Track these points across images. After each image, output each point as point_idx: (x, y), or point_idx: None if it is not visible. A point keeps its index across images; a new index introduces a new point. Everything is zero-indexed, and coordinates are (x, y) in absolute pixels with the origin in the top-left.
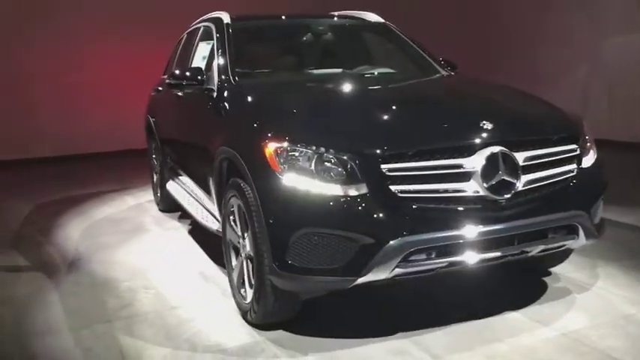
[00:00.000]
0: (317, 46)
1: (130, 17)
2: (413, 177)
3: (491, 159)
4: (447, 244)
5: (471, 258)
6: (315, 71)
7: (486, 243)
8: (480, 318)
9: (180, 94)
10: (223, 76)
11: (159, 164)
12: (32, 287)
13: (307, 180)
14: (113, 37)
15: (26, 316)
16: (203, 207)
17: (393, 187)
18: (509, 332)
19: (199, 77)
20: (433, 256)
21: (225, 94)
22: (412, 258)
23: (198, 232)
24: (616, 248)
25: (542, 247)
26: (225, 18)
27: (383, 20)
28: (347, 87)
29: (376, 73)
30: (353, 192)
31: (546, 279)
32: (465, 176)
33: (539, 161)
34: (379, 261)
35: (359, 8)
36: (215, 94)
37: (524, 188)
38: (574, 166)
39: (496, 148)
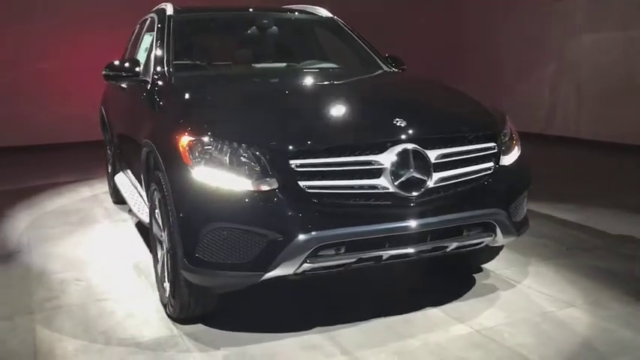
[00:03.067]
0: (263, 40)
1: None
2: (322, 173)
3: (402, 156)
4: (356, 240)
5: (381, 254)
6: (258, 65)
7: (397, 239)
8: (399, 314)
9: (123, 85)
10: (159, 68)
11: (111, 156)
12: None
13: (218, 174)
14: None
15: None
16: (140, 199)
17: (301, 183)
18: (424, 328)
19: (136, 69)
20: (342, 251)
21: (158, 86)
22: (321, 253)
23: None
24: (555, 246)
25: (456, 244)
26: (169, 9)
27: (331, 15)
28: (279, 82)
29: (318, 68)
30: (263, 187)
31: (476, 275)
32: (375, 173)
33: (453, 159)
34: (286, 256)
35: (313, 3)
36: (149, 86)
37: (435, 185)
38: (491, 164)
39: (407, 146)
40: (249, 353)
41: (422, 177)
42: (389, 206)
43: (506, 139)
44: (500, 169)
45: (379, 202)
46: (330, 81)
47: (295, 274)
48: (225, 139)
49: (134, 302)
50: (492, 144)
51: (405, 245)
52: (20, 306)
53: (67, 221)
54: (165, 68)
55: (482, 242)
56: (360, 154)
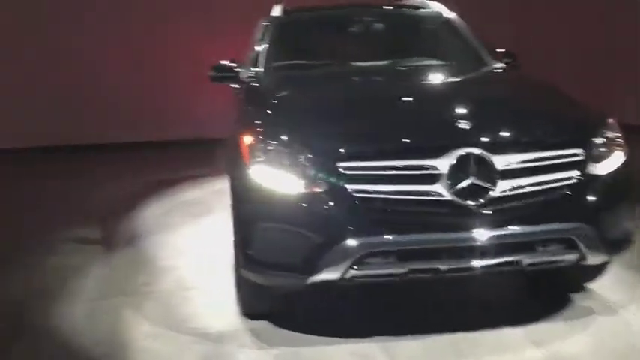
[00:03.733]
0: (368, 37)
1: None
2: (372, 177)
3: (461, 161)
4: (407, 249)
5: (438, 266)
6: (359, 63)
7: (455, 251)
8: (468, 330)
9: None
10: (255, 69)
11: None
12: (83, 258)
13: (271, 175)
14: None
15: (63, 282)
16: None
17: (349, 186)
18: (492, 349)
19: (236, 70)
20: (392, 260)
21: (248, 87)
22: (368, 260)
23: None
24: None
25: (529, 260)
26: (276, 11)
27: (445, 10)
28: (364, 81)
29: (417, 65)
30: (311, 189)
31: (574, 295)
32: (431, 179)
33: (526, 166)
34: (331, 261)
35: None
36: (243, 87)
37: (503, 195)
38: (575, 172)
39: (469, 150)
40: (301, 354)
41: (485, 185)
42: (445, 215)
43: (602, 145)
44: (588, 179)
45: (434, 210)
46: (416, 80)
47: (343, 279)
48: (280, 141)
49: (216, 295)
50: (577, 150)
51: (465, 258)
52: (117, 288)
53: (190, 212)
54: (260, 69)
55: (563, 260)
56: (413, 158)
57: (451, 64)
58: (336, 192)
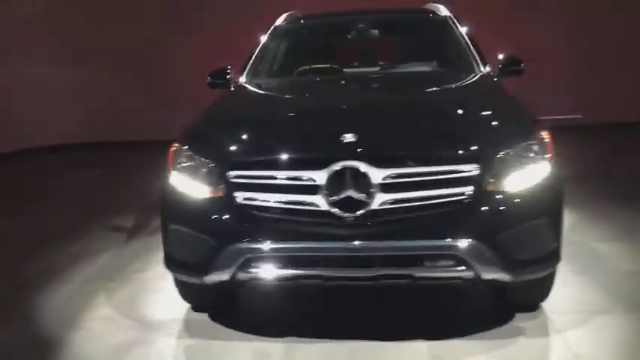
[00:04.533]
0: (364, 44)
1: None
2: (257, 185)
3: (338, 174)
4: (288, 256)
5: (320, 274)
6: (349, 70)
7: (334, 260)
8: (376, 340)
9: None
10: (239, 78)
11: None
12: (103, 245)
13: (183, 181)
14: None
15: (71, 266)
16: None
17: (237, 194)
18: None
19: (226, 77)
20: (277, 266)
21: (220, 94)
22: (255, 265)
23: None
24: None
25: (419, 274)
26: (280, 19)
27: (446, 13)
28: (315, 92)
29: (400, 72)
30: (207, 196)
31: (520, 314)
32: (311, 190)
33: (408, 180)
34: (220, 263)
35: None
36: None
37: (383, 208)
38: (469, 188)
39: (345, 163)
40: (210, 347)
41: (361, 198)
42: (323, 225)
43: (511, 161)
44: (485, 195)
45: (313, 220)
46: (371, 91)
47: (235, 281)
48: (194, 150)
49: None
50: (471, 166)
51: (345, 268)
52: (110, 273)
53: None
54: (242, 78)
55: (459, 276)
56: (294, 170)
57: (435, 71)
58: (227, 199)
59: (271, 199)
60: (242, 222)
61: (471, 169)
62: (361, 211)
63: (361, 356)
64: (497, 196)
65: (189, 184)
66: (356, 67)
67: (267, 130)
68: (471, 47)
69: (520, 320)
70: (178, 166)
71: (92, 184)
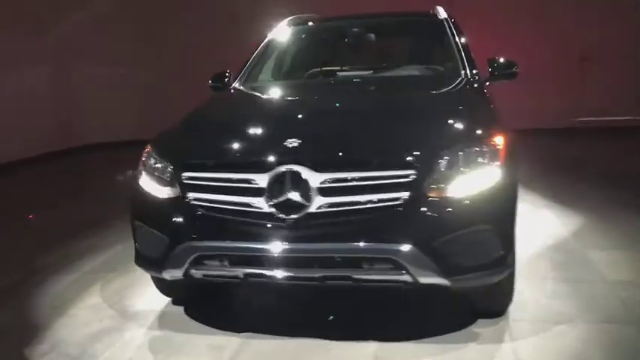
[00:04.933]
0: (361, 47)
1: None
2: (207, 187)
3: (278, 178)
4: (235, 255)
5: (265, 272)
6: (342, 74)
7: (276, 261)
8: (326, 338)
9: None
10: (235, 82)
11: None
12: (117, 238)
13: (148, 182)
14: None
15: (80, 257)
16: None
17: (189, 195)
18: (328, 357)
19: (224, 81)
20: (226, 264)
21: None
22: (205, 262)
23: None
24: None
25: (358, 277)
26: (282, 23)
27: (444, 16)
28: (295, 95)
29: (387, 76)
30: (164, 196)
31: (483, 320)
32: (254, 192)
33: (345, 184)
34: (173, 260)
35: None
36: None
37: (320, 211)
38: (405, 193)
39: (286, 167)
40: (170, 339)
41: (300, 201)
42: (264, 226)
43: (452, 167)
44: (424, 201)
45: (256, 221)
46: (345, 96)
47: (189, 277)
48: (156, 152)
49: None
50: (408, 172)
51: (287, 268)
52: (113, 265)
53: None
54: (235, 83)
55: (397, 279)
56: (239, 172)
57: (419, 75)
58: (180, 199)
59: (219, 200)
60: (194, 221)
61: (407, 175)
62: (300, 214)
63: (306, 354)
64: (435, 202)
65: (152, 185)
66: (347, 70)
67: (223, 135)
68: (461, 50)
69: (480, 326)
70: (146, 166)
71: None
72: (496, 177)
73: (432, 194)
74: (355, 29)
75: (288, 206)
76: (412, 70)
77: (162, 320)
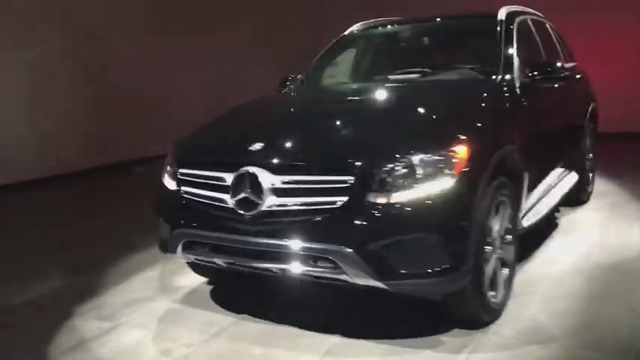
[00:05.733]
0: (416, 49)
1: None
2: (194, 182)
3: (239, 177)
4: (212, 243)
5: (234, 261)
6: (393, 76)
7: (240, 251)
8: (302, 328)
9: None
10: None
11: None
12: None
13: (164, 177)
14: None
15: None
16: None
17: (182, 188)
18: (286, 344)
19: (286, 84)
20: (207, 250)
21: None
22: (194, 247)
23: None
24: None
25: (303, 272)
26: (354, 27)
27: (502, 17)
28: (327, 103)
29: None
30: (171, 189)
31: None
32: (225, 189)
33: (291, 186)
34: (171, 244)
35: None
36: None
37: (271, 209)
38: (344, 198)
39: (246, 168)
40: (182, 312)
41: (254, 199)
42: (229, 219)
43: (396, 174)
44: (361, 205)
45: (224, 215)
46: (340, 104)
47: (188, 259)
48: (170, 151)
49: None
50: (346, 177)
51: (248, 259)
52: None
53: None
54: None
55: (338, 278)
56: (214, 171)
57: (454, 79)
58: (177, 192)
59: (201, 194)
60: (184, 211)
61: (345, 180)
62: (255, 211)
63: (277, 339)
64: (374, 207)
65: (167, 180)
66: (398, 75)
67: (215, 137)
68: (503, 54)
69: (453, 335)
70: (165, 164)
71: None
72: (447, 187)
73: (372, 199)
74: (409, 34)
75: (246, 203)
76: (452, 75)
77: (188, 296)
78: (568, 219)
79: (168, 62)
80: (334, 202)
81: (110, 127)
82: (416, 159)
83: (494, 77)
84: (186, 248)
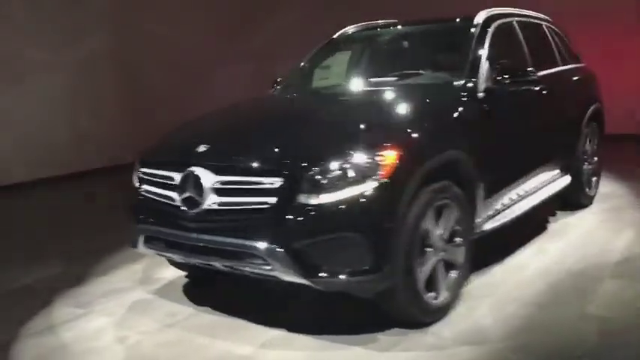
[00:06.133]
0: (393, 53)
1: None
2: (150, 181)
3: (184, 177)
4: (163, 239)
5: (184, 257)
6: (359, 82)
7: (187, 247)
8: (249, 321)
9: None
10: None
11: None
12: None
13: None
14: None
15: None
16: None
17: (142, 186)
18: (235, 335)
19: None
20: (163, 245)
21: None
22: (153, 242)
23: None
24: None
25: (240, 268)
26: (339, 33)
27: (480, 21)
28: (293, 104)
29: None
30: (135, 186)
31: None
32: (174, 188)
33: (231, 187)
34: (135, 237)
35: None
36: None
37: (211, 208)
38: (272, 198)
39: (190, 169)
40: (152, 303)
41: (196, 198)
42: (177, 216)
43: (322, 176)
44: (290, 206)
45: (172, 211)
46: (312, 105)
47: (151, 254)
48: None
49: None
50: (274, 179)
51: (194, 254)
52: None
53: None
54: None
55: (267, 274)
56: (166, 170)
57: (419, 84)
58: (139, 190)
59: (156, 192)
60: (142, 208)
61: (273, 182)
62: (197, 209)
63: (224, 331)
64: (300, 208)
65: (134, 178)
66: (366, 80)
67: (174, 139)
68: (472, 58)
69: (390, 334)
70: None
71: None
72: (372, 189)
73: (300, 200)
74: (389, 38)
75: (190, 202)
76: (419, 80)
77: (163, 288)
78: (560, 223)
79: (207, 62)
80: (265, 203)
81: (145, 127)
82: (343, 162)
83: (455, 82)
84: (147, 243)
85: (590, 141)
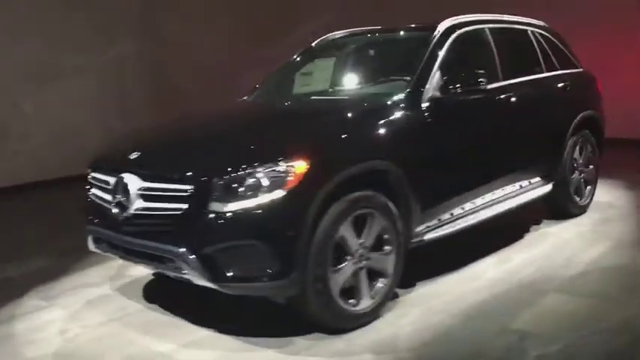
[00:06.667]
0: (353, 63)
1: None
2: (95, 184)
3: (116, 182)
4: (105, 240)
5: (125, 258)
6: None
7: (123, 250)
8: (187, 320)
9: None
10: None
11: None
12: None
13: None
14: None
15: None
16: None
17: (90, 190)
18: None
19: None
20: (108, 246)
21: None
22: (100, 243)
23: None
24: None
25: (162, 270)
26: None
27: (441, 30)
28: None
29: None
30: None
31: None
32: (109, 191)
33: (152, 193)
34: (87, 237)
35: None
36: None
37: (136, 212)
38: (184, 205)
39: (121, 174)
40: (110, 298)
41: (125, 202)
42: (113, 219)
43: (227, 185)
44: (200, 212)
45: (110, 215)
46: (246, 116)
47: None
48: None
49: None
50: (186, 186)
51: (130, 256)
52: None
53: None
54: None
55: (186, 278)
56: (105, 175)
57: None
58: (88, 192)
59: (97, 195)
60: (91, 210)
61: (185, 189)
62: (126, 213)
63: (159, 328)
64: (209, 215)
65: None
66: (312, 90)
67: (119, 145)
68: (423, 67)
69: (310, 338)
70: None
71: None
72: (278, 198)
73: (210, 208)
74: (353, 47)
75: (121, 206)
76: (370, 89)
77: (127, 285)
78: (540, 232)
79: (234, 65)
80: (180, 209)
81: None
82: (251, 172)
83: (398, 92)
84: (95, 243)
85: (582, 149)
